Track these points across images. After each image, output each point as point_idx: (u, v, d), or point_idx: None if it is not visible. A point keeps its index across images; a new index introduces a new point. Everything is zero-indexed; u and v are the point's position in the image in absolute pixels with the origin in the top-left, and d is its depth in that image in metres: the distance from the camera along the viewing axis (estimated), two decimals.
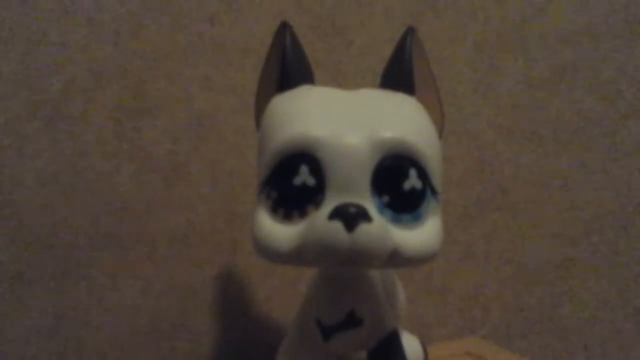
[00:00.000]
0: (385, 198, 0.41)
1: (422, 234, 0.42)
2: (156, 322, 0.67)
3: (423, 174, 0.42)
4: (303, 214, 0.41)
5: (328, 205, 0.40)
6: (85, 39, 0.63)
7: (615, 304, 0.87)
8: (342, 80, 0.72)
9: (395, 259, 0.41)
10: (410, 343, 0.60)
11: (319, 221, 0.39)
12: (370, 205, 0.40)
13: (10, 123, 0.60)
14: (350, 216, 0.38)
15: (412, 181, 0.41)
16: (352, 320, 0.48)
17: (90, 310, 0.65)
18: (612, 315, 0.87)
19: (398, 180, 0.41)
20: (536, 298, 0.85)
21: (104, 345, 0.65)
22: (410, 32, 0.47)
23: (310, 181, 0.41)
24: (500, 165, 0.82)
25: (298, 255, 0.41)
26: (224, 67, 0.69)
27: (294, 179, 0.41)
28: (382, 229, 0.40)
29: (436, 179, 0.43)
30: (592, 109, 0.85)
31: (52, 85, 0.62)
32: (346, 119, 0.42)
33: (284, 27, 0.47)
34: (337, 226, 0.38)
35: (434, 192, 0.43)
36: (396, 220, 0.41)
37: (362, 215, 0.39)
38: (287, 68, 0.46)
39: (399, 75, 0.47)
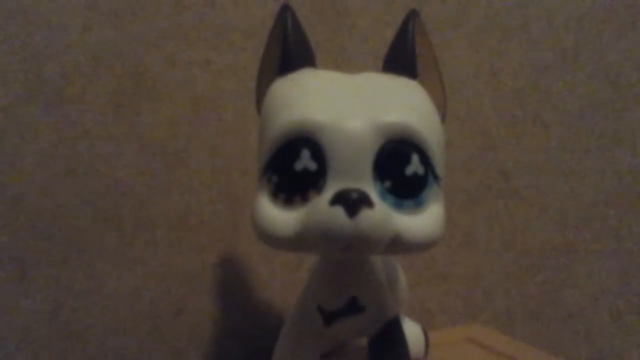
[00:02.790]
0: (387, 183, 0.41)
1: (424, 220, 0.42)
2: (156, 307, 0.67)
3: (425, 160, 0.42)
4: (304, 199, 0.41)
5: (329, 191, 0.39)
6: (84, 22, 0.62)
7: (617, 290, 0.87)
8: (344, 64, 0.72)
9: (397, 244, 0.40)
10: (411, 329, 0.61)
11: (321, 206, 0.39)
12: (372, 190, 0.40)
13: (9, 106, 0.60)
14: (352, 201, 0.38)
15: (415, 166, 0.41)
16: (353, 307, 0.48)
17: (90, 295, 0.64)
18: (614, 301, 0.87)
19: (400, 166, 0.41)
20: (538, 284, 0.85)
21: (104, 330, 0.65)
22: (412, 15, 0.46)
23: (312, 166, 0.40)
24: (503, 150, 0.82)
25: (299, 241, 0.40)
26: (224, 50, 0.68)
27: (295, 164, 0.40)
28: (383, 214, 0.39)
29: (439, 164, 0.43)
30: (595, 94, 0.84)
31: (52, 69, 0.61)
32: (348, 103, 0.42)
33: (286, 10, 0.46)
34: (339, 212, 0.38)
35: (436, 177, 0.42)
36: (398, 206, 0.41)
37: (364, 200, 0.38)
38: (289, 51, 0.46)
39: (401, 59, 0.46)
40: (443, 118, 0.47)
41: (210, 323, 0.70)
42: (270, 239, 0.42)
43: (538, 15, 0.81)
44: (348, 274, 0.48)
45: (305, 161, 0.40)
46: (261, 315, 0.71)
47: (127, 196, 0.65)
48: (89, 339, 0.65)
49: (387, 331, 0.50)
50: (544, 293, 0.85)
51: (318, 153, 0.40)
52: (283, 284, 0.72)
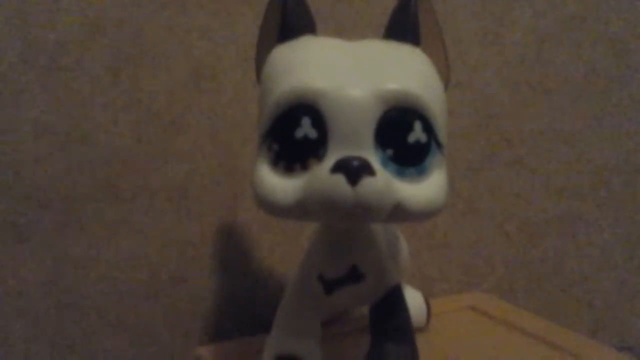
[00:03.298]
0: (390, 151, 0.40)
1: (426, 188, 0.41)
2: (155, 275, 0.67)
3: (428, 127, 0.41)
4: (305, 167, 0.40)
5: (330, 159, 0.39)
6: None
7: (620, 259, 0.87)
8: (346, 32, 0.71)
9: (399, 213, 0.40)
10: (413, 298, 0.61)
11: (322, 174, 0.38)
12: (374, 158, 0.39)
13: (5, 73, 0.59)
14: (353, 169, 0.38)
15: (417, 134, 0.41)
16: (354, 275, 0.48)
17: (89, 264, 0.64)
18: (616, 270, 0.87)
19: (402, 133, 0.40)
20: (540, 252, 0.85)
21: (103, 298, 0.65)
22: None
23: (312, 134, 0.40)
24: (506, 118, 0.81)
25: (299, 209, 0.40)
26: (224, 17, 0.67)
27: (295, 132, 0.40)
28: (385, 182, 0.39)
29: (441, 132, 0.42)
30: (599, 62, 0.83)
31: (48, 35, 0.61)
32: (349, 70, 0.41)
33: None
34: (340, 179, 0.38)
35: (439, 145, 0.42)
36: (400, 174, 0.40)
37: (365, 168, 0.38)
38: (288, 18, 0.45)
39: (404, 26, 0.45)
40: (446, 85, 0.46)
41: (210, 292, 0.70)
42: (270, 206, 0.42)
43: None
44: (348, 242, 0.48)
45: (305, 129, 0.40)
46: (262, 284, 0.71)
47: (125, 164, 0.65)
48: (87, 307, 0.65)
49: (389, 299, 0.50)
50: (546, 261, 0.85)
51: (319, 121, 0.39)
52: (283, 252, 0.72)
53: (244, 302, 0.71)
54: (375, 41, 0.46)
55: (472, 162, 0.81)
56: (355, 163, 0.38)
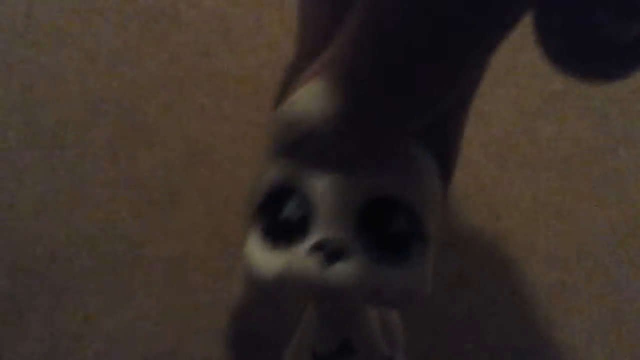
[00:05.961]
0: (371, 236, 0.40)
1: (407, 275, 0.41)
2: (151, 349, 0.67)
3: (412, 216, 0.41)
4: (289, 244, 0.41)
5: (311, 239, 0.39)
6: (81, 72, 0.64)
7: (609, 329, 0.87)
8: None
9: (376, 299, 0.40)
10: None
11: (298, 255, 0.39)
12: (355, 242, 0.39)
13: (6, 154, 0.61)
14: (328, 252, 0.38)
15: (399, 222, 0.41)
16: (346, 350, 0.48)
17: (86, 338, 0.65)
18: (606, 341, 0.87)
19: (385, 219, 0.41)
20: (530, 324, 0.85)
21: None
22: None
23: (297, 214, 0.41)
24: (493, 192, 0.83)
25: (280, 285, 0.41)
26: (219, 97, 0.70)
27: (282, 211, 0.41)
28: (361, 267, 0.39)
29: (427, 219, 0.42)
30: (583, 136, 0.85)
31: (48, 117, 0.63)
32: None
33: None
34: (315, 261, 0.38)
35: (423, 233, 0.41)
36: (381, 260, 0.40)
37: (341, 252, 0.38)
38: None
39: None
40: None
41: None
42: (253, 280, 0.42)
43: (525, 62, 0.83)
44: (339, 315, 0.48)
45: (291, 209, 0.41)
46: (255, 358, 0.72)
47: (123, 239, 0.66)
48: None
49: None
50: (535, 333, 0.85)
51: (303, 202, 0.41)
52: (278, 326, 0.72)
53: None
54: None
55: (460, 235, 0.82)
56: (331, 246, 0.38)
